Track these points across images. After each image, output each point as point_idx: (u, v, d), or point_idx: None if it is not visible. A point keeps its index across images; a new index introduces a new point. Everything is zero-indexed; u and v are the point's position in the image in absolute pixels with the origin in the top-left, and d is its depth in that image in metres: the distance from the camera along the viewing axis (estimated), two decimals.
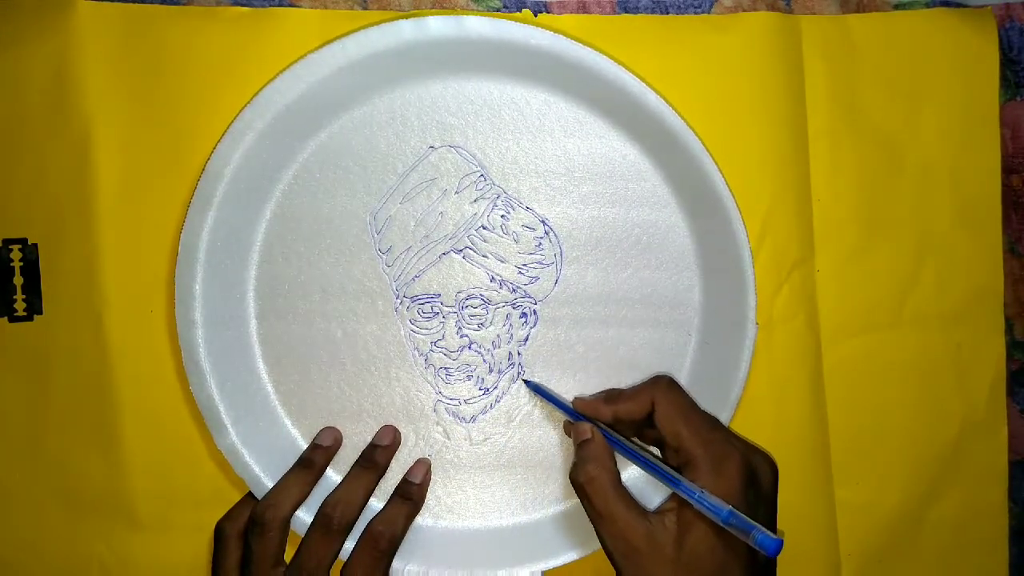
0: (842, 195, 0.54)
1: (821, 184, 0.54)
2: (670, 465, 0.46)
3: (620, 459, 0.47)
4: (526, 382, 0.52)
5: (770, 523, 0.45)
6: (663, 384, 0.48)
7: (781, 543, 0.39)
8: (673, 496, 0.45)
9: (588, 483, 0.45)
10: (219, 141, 0.49)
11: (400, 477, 0.52)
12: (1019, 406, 0.56)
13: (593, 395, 0.51)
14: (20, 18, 0.49)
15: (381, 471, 0.51)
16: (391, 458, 0.52)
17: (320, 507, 0.49)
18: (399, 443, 0.52)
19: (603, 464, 0.46)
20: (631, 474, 0.51)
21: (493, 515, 0.53)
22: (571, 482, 0.46)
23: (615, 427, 0.48)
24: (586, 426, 0.48)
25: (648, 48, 0.51)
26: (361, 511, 0.49)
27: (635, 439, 0.49)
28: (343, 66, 0.49)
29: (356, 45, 0.49)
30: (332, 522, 0.48)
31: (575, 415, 0.49)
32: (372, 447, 0.51)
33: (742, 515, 0.40)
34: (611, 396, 0.49)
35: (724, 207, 0.50)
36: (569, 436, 0.51)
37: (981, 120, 0.55)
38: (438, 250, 0.51)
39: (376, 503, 0.51)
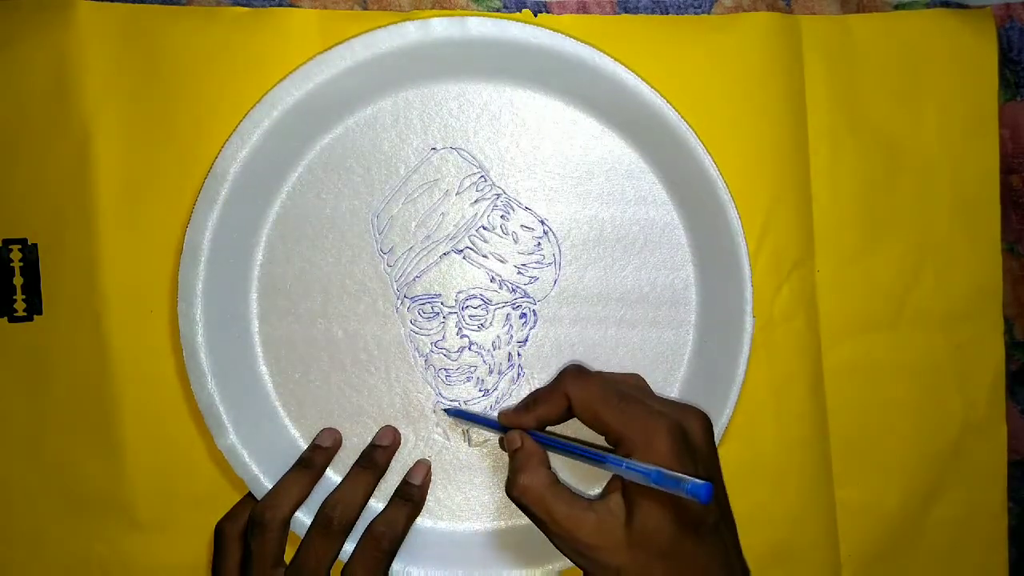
0: (842, 195, 0.54)
1: (821, 184, 0.54)
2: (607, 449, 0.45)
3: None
4: (446, 411, 0.52)
5: (712, 476, 0.43)
6: (571, 374, 0.47)
7: (710, 487, 0.37)
8: (614, 477, 0.44)
9: (523, 494, 0.44)
10: (226, 140, 0.49)
11: (400, 478, 0.52)
12: (1019, 406, 0.57)
13: (515, 405, 0.49)
14: (20, 18, 0.49)
15: (381, 471, 0.51)
16: (391, 458, 0.52)
17: (320, 507, 0.48)
18: (399, 444, 0.52)
19: (534, 471, 0.44)
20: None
21: (493, 517, 0.53)
22: (509, 497, 0.45)
23: (540, 417, 0.48)
24: (514, 435, 0.47)
25: (648, 48, 0.51)
26: (361, 511, 0.49)
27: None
28: (350, 67, 0.49)
29: (363, 46, 0.49)
30: (332, 522, 0.48)
31: (502, 428, 0.49)
32: (372, 447, 0.51)
33: (668, 472, 0.39)
34: (529, 402, 0.48)
35: (720, 201, 0.50)
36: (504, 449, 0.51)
37: (980, 120, 0.55)
38: (439, 250, 0.52)
39: (377, 504, 0.51)
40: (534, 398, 0.48)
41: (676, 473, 0.38)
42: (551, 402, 0.47)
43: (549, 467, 0.45)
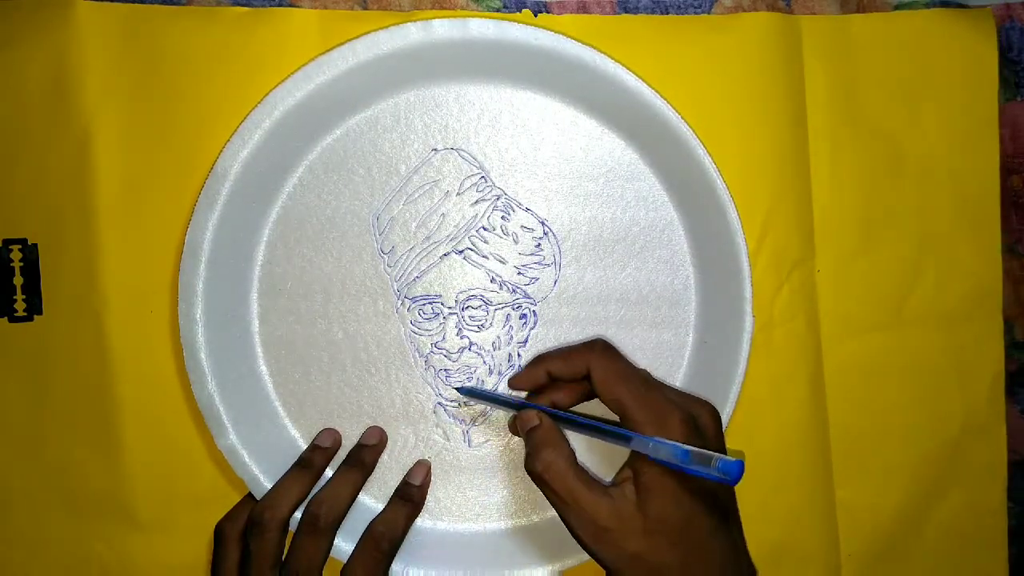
0: (842, 195, 0.54)
1: (821, 184, 0.54)
2: None
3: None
4: (458, 389, 0.52)
5: None
6: (598, 349, 0.47)
7: (742, 464, 0.37)
8: (626, 466, 0.44)
9: (546, 471, 0.44)
10: (228, 141, 0.49)
11: (401, 478, 0.52)
12: (1018, 406, 0.57)
13: (524, 366, 0.50)
14: (20, 18, 0.49)
15: (368, 470, 0.51)
16: (378, 457, 0.52)
17: (306, 506, 0.48)
18: (385, 443, 0.52)
19: (557, 448, 0.44)
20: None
21: (492, 517, 0.53)
22: (528, 473, 0.45)
23: (552, 400, 0.48)
24: (531, 413, 0.47)
25: (648, 48, 0.51)
26: (348, 509, 0.49)
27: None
28: (352, 68, 0.49)
29: (365, 47, 0.49)
30: (319, 520, 0.48)
31: (517, 404, 0.49)
32: (359, 447, 0.51)
33: (698, 449, 0.39)
34: (542, 358, 0.49)
35: (720, 202, 0.50)
36: (515, 434, 0.51)
37: (981, 120, 0.55)
38: (439, 251, 0.52)
39: (377, 505, 0.51)
40: (545, 354, 0.49)
41: (706, 451, 0.39)
42: (568, 361, 0.47)
43: (569, 446, 0.45)
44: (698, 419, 0.44)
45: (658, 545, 0.41)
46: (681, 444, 0.40)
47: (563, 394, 0.48)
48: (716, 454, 0.38)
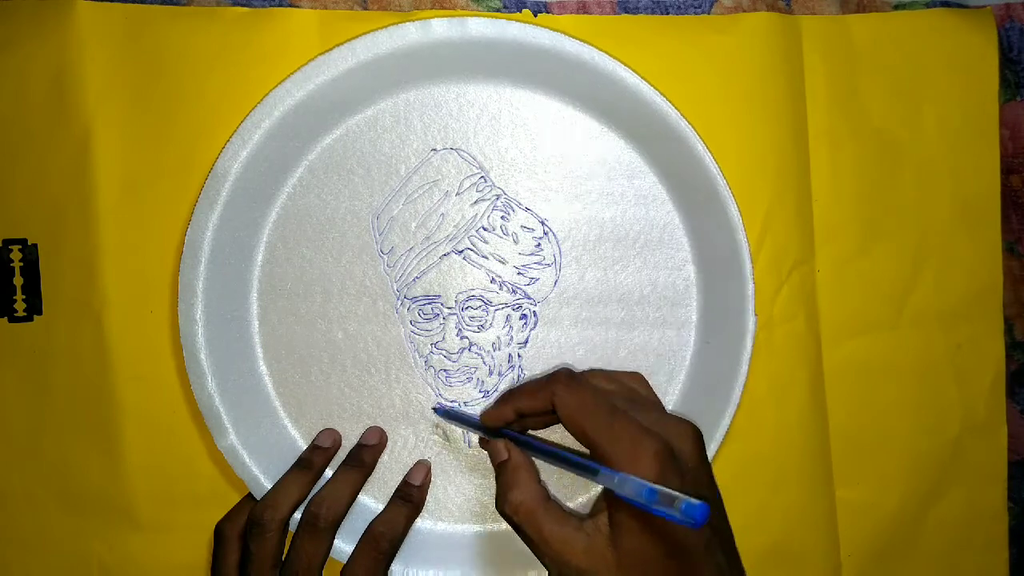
0: (842, 195, 0.54)
1: (821, 184, 0.54)
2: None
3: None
4: (435, 410, 0.52)
5: (702, 495, 0.41)
6: (561, 380, 0.44)
7: (706, 508, 0.35)
8: (603, 495, 0.42)
9: (515, 512, 0.42)
10: (228, 141, 0.49)
11: (401, 479, 0.52)
12: (1019, 406, 0.56)
13: (495, 401, 0.48)
14: (20, 18, 0.49)
15: (368, 470, 0.51)
16: (377, 457, 0.52)
17: (306, 506, 0.48)
18: (385, 443, 0.52)
19: (526, 487, 0.43)
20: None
21: (492, 517, 0.53)
22: (499, 513, 0.43)
23: (524, 425, 0.47)
24: (499, 446, 0.45)
25: (648, 49, 0.51)
26: (348, 509, 0.49)
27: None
28: (351, 68, 0.49)
29: (364, 47, 0.49)
30: (319, 520, 0.48)
31: (488, 432, 0.47)
32: (359, 447, 0.51)
33: (663, 489, 0.36)
34: (510, 395, 0.47)
35: (721, 200, 0.50)
36: (485, 449, 0.49)
37: (981, 120, 0.55)
38: (439, 251, 0.52)
39: (377, 505, 0.51)
40: (516, 390, 0.47)
41: (671, 491, 0.36)
42: (535, 397, 0.45)
43: (540, 480, 0.44)
44: (676, 445, 0.41)
45: None
46: (647, 483, 0.37)
47: (536, 420, 0.47)
48: (680, 496, 0.36)
